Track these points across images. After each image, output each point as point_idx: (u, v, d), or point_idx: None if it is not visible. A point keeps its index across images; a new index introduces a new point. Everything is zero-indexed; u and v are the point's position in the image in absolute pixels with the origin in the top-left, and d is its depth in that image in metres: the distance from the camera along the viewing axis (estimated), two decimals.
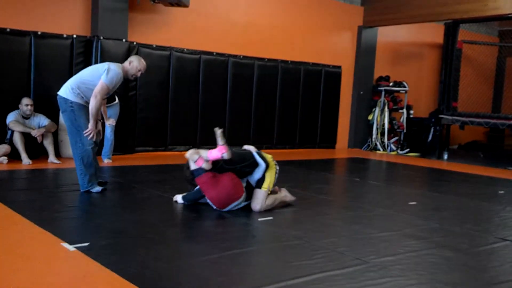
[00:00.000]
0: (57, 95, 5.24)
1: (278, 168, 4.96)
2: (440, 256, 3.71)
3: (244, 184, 4.82)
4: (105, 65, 5.18)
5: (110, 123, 7.29)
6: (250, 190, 4.82)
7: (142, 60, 5.38)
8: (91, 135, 5.07)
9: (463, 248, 3.97)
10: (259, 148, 5.20)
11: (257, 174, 4.80)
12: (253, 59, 9.89)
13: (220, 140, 4.56)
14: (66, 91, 5.15)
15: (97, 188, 5.20)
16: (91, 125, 5.06)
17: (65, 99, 5.12)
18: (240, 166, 4.72)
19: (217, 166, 4.68)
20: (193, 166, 4.65)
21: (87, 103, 5.10)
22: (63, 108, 5.19)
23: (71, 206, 4.76)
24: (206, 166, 4.60)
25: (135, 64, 5.28)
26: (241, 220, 4.48)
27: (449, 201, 5.96)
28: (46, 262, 3.20)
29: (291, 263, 3.35)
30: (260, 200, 4.77)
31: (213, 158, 4.61)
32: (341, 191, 6.74)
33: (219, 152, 4.56)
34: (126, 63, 5.30)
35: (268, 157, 4.93)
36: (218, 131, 4.57)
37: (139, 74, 5.34)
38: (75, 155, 5.14)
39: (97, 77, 5.08)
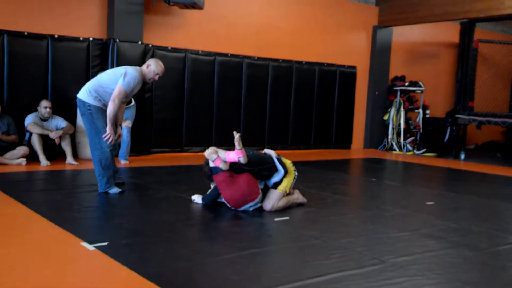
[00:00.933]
0: (76, 97, 5.29)
1: (297, 174, 4.98)
2: (458, 255, 3.69)
3: (261, 186, 4.83)
4: (122, 69, 5.19)
5: (126, 124, 7.37)
6: (265, 191, 4.83)
7: (160, 63, 5.34)
8: (110, 139, 5.11)
9: (481, 247, 3.94)
10: (273, 148, 5.21)
11: (275, 178, 4.81)
12: (267, 60, 9.90)
13: (237, 145, 4.57)
14: (84, 94, 5.19)
15: (115, 190, 5.25)
16: (108, 129, 5.08)
17: (84, 102, 5.17)
18: (259, 168, 4.73)
19: (235, 166, 4.70)
20: (212, 163, 4.69)
21: (105, 106, 5.14)
22: (81, 111, 5.24)
23: (89, 206, 4.81)
24: (223, 166, 4.62)
25: (152, 67, 5.25)
26: (258, 220, 4.49)
27: (466, 201, 5.91)
28: (66, 261, 3.24)
29: (308, 263, 3.35)
30: (273, 200, 4.78)
31: (230, 160, 4.65)
32: (357, 191, 6.72)
33: (236, 155, 4.59)
34: (144, 67, 5.29)
35: (288, 163, 4.94)
36: (236, 136, 4.56)
37: (156, 78, 5.30)
38: (94, 157, 5.20)
39: (115, 81, 5.11)
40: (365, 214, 4.98)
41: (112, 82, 5.13)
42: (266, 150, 5.09)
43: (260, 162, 4.74)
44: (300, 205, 5.08)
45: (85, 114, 5.20)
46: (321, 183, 6.61)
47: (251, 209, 4.71)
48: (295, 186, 5.39)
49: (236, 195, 4.61)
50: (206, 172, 4.82)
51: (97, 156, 5.16)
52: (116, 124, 5.22)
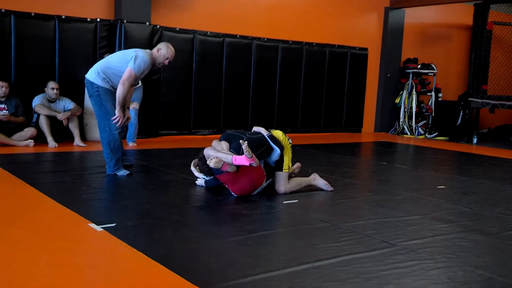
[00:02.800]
0: (84, 78, 5.24)
1: (291, 141, 4.87)
2: (469, 239, 3.64)
3: (262, 165, 4.75)
4: (133, 51, 5.12)
5: (133, 106, 7.33)
6: (267, 169, 4.76)
7: (171, 47, 5.25)
8: (119, 122, 5.07)
9: (492, 232, 3.88)
10: (283, 131, 5.11)
11: (273, 156, 4.73)
12: (277, 42, 9.79)
13: (247, 154, 4.33)
14: (92, 74, 5.14)
15: (123, 172, 5.23)
16: (117, 111, 5.04)
17: (92, 83, 5.12)
18: (257, 153, 4.63)
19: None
20: (212, 164, 4.39)
21: (113, 88, 5.10)
22: (90, 92, 5.20)
23: (97, 188, 4.79)
24: (232, 169, 4.40)
25: (163, 52, 5.18)
26: (266, 202, 4.45)
27: (478, 185, 5.83)
28: (74, 241, 3.23)
29: (317, 245, 3.31)
30: (283, 181, 4.73)
31: (239, 164, 4.37)
32: (368, 175, 6.66)
33: (247, 162, 4.31)
34: (154, 50, 5.21)
35: (280, 136, 4.81)
36: (244, 145, 4.30)
37: (166, 62, 5.23)
38: (103, 139, 5.18)
39: (124, 63, 5.04)
40: (375, 198, 4.92)
41: (121, 64, 5.07)
42: (255, 129, 4.96)
43: (257, 146, 4.61)
44: (312, 188, 5.00)
45: (93, 96, 5.15)
46: (330, 166, 6.54)
47: (259, 190, 4.67)
48: (315, 170, 5.35)
49: (245, 188, 4.54)
50: (206, 171, 4.64)
51: (105, 138, 5.14)
52: (124, 106, 5.16)
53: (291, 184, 4.81)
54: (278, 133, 4.86)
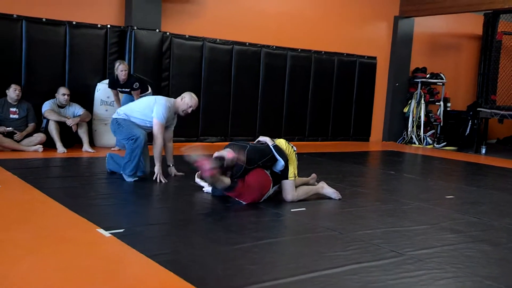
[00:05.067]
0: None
1: (295, 149, 4.86)
2: (478, 250, 3.61)
3: (268, 171, 4.73)
4: (152, 98, 5.40)
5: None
6: (274, 176, 4.74)
7: (194, 96, 5.45)
8: (158, 179, 5.23)
9: (501, 242, 3.86)
10: (291, 140, 5.13)
11: (278, 166, 4.72)
12: (286, 50, 9.81)
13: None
14: (114, 114, 5.41)
15: (131, 179, 5.24)
16: (157, 168, 5.24)
17: (113, 119, 5.36)
18: (262, 162, 4.62)
19: (240, 172, 4.47)
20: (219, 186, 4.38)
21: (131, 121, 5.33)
22: (113, 129, 5.38)
23: (106, 193, 4.81)
24: (228, 181, 4.37)
25: (186, 100, 5.37)
26: (274, 210, 4.44)
27: (487, 196, 5.79)
28: (82, 246, 3.24)
29: (325, 254, 3.30)
30: (289, 190, 4.72)
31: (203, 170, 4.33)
32: (376, 184, 6.63)
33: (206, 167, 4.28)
34: (179, 99, 5.43)
35: (283, 144, 4.79)
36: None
37: (189, 110, 5.41)
38: (128, 148, 5.25)
39: (145, 105, 5.30)
40: (383, 207, 4.90)
41: (141, 107, 5.33)
42: (261, 138, 4.93)
43: (261, 155, 4.61)
44: (320, 197, 4.99)
45: (116, 131, 5.34)
46: (338, 174, 6.53)
47: (269, 194, 4.68)
48: (323, 179, 5.34)
49: (255, 197, 4.54)
50: (215, 189, 4.64)
51: (130, 146, 5.19)
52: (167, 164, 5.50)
53: (298, 192, 4.80)
54: (281, 142, 4.84)
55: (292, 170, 4.74)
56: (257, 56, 9.45)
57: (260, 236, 3.63)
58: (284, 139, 5.01)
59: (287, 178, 4.73)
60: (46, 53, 7.46)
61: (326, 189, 5.01)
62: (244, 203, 4.55)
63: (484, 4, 10.18)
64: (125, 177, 5.24)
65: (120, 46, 8.02)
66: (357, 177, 6.67)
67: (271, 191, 4.70)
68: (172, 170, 5.61)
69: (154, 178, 5.25)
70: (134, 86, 7.22)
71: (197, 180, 5.11)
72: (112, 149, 7.37)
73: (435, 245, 3.64)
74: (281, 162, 4.67)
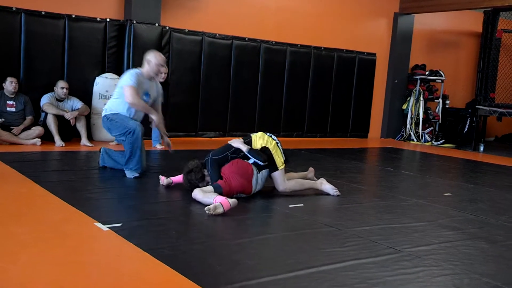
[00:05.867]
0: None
1: (275, 138, 4.84)
2: (475, 247, 3.62)
3: (252, 161, 4.66)
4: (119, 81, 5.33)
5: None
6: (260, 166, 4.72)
7: (158, 53, 5.29)
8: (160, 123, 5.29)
9: (498, 239, 3.87)
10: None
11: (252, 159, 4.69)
12: (285, 45, 9.79)
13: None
14: (104, 112, 5.35)
15: (133, 174, 5.18)
16: (155, 115, 5.23)
17: (103, 117, 5.30)
18: (229, 154, 4.65)
19: (212, 170, 4.58)
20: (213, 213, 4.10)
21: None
22: (105, 126, 5.33)
23: (104, 187, 4.80)
24: (232, 204, 4.16)
25: (153, 61, 5.20)
26: (272, 206, 4.45)
27: (484, 193, 5.80)
28: (80, 240, 3.24)
29: (323, 250, 3.30)
30: (280, 180, 4.74)
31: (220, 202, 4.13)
32: (374, 181, 6.64)
33: (227, 202, 4.06)
34: (144, 65, 5.26)
35: (260, 142, 4.75)
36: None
37: (162, 70, 5.32)
38: (126, 144, 5.19)
39: (119, 88, 5.21)
40: (381, 204, 4.90)
41: (115, 92, 5.30)
42: (234, 144, 4.75)
43: (222, 150, 4.70)
44: (319, 193, 5.00)
45: (110, 128, 5.26)
46: (336, 171, 6.53)
47: (261, 182, 4.63)
48: (321, 175, 5.35)
49: (242, 182, 4.47)
50: (193, 183, 4.57)
51: (129, 140, 5.13)
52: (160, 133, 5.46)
53: (291, 182, 4.81)
54: (257, 139, 4.79)
55: (278, 159, 4.70)
56: (257, 51, 9.43)
57: (258, 232, 3.63)
58: (262, 131, 4.97)
59: (276, 169, 4.70)
60: (45, 47, 7.44)
61: (325, 185, 5.00)
62: (244, 195, 4.54)
63: (484, 1, 10.17)
64: (127, 173, 5.19)
65: (119, 40, 8.00)
66: (355, 173, 6.67)
67: (260, 176, 4.63)
68: (165, 140, 5.59)
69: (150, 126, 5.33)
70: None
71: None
72: (111, 143, 7.36)
73: (433, 242, 3.64)
74: (259, 163, 4.63)
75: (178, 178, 4.83)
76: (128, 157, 5.15)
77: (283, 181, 4.75)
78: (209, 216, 3.89)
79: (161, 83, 7.31)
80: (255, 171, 4.61)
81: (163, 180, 4.86)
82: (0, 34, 7.12)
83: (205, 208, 3.95)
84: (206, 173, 4.60)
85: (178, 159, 6.75)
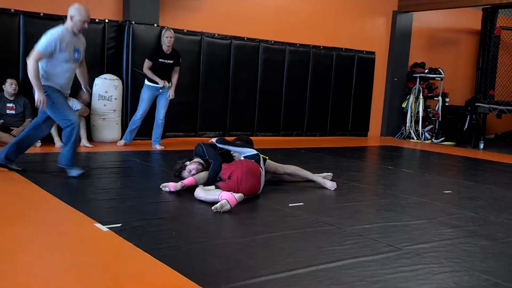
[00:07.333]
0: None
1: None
2: (475, 244, 3.62)
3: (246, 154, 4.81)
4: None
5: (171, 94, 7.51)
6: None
7: (82, 8, 4.91)
8: (42, 105, 4.81)
9: (499, 237, 3.87)
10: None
11: (243, 153, 4.82)
12: (284, 44, 9.79)
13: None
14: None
15: (77, 171, 5.05)
16: (38, 94, 4.78)
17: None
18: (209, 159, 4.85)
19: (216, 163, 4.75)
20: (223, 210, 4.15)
21: (57, 84, 4.99)
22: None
23: (103, 188, 4.80)
24: (239, 198, 4.23)
25: (76, 18, 4.86)
26: (272, 205, 4.45)
27: (484, 191, 5.80)
28: (80, 241, 3.24)
29: (322, 248, 3.31)
30: (277, 164, 5.17)
31: (226, 198, 4.19)
32: (374, 179, 6.64)
33: (232, 197, 4.15)
34: (68, 21, 4.93)
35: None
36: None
37: (85, 25, 4.95)
38: (66, 135, 5.00)
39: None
40: (381, 202, 4.91)
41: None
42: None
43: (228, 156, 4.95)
44: (318, 192, 5.03)
45: (49, 107, 4.94)
46: (336, 169, 6.51)
47: (263, 180, 4.66)
48: (314, 172, 5.42)
49: (254, 183, 4.53)
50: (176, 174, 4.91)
51: (68, 131, 4.97)
52: (82, 86, 5.26)
53: (292, 167, 5.24)
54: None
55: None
56: (256, 50, 9.43)
57: (258, 231, 3.63)
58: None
59: (265, 160, 4.96)
60: None
61: (321, 180, 5.23)
62: (252, 195, 4.57)
63: None
64: (72, 171, 5.04)
65: (118, 40, 8.00)
66: (355, 172, 6.67)
67: (263, 174, 4.68)
68: (84, 95, 5.41)
69: (36, 106, 4.90)
70: (180, 60, 7.43)
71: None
72: (118, 144, 7.39)
73: (433, 240, 3.64)
74: (217, 160, 4.75)
75: (190, 181, 4.68)
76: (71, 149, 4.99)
77: (280, 165, 5.13)
78: (214, 213, 3.91)
79: (173, 51, 7.42)
80: (262, 170, 4.68)
81: (172, 186, 4.62)
82: None
83: (212, 208, 4.00)
84: (188, 163, 4.86)
85: (177, 158, 6.75)
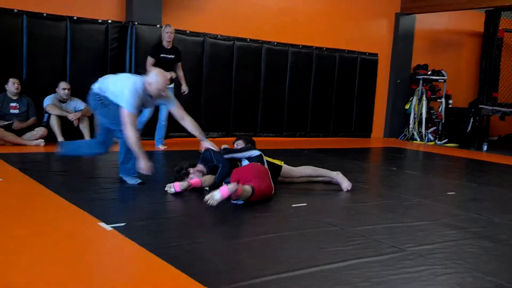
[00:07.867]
0: (94, 80, 5.06)
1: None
2: (478, 246, 3.60)
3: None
4: (127, 82, 4.65)
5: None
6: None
7: (160, 75, 4.67)
8: (147, 171, 4.59)
9: (502, 239, 3.85)
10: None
11: (248, 154, 4.84)
12: (287, 46, 9.79)
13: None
14: (95, 87, 4.83)
15: (136, 181, 4.95)
16: (143, 161, 4.55)
17: (93, 94, 4.79)
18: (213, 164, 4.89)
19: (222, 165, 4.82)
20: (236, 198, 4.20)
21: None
22: (94, 106, 4.83)
23: (107, 188, 4.79)
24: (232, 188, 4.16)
25: (153, 85, 4.60)
26: (275, 205, 4.44)
27: (488, 192, 5.79)
28: (84, 240, 3.24)
29: (326, 249, 3.30)
30: (291, 169, 5.20)
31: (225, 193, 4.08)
32: (377, 180, 6.63)
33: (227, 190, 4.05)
34: (147, 84, 4.62)
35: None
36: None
37: (162, 93, 4.73)
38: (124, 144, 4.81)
39: (119, 92, 4.61)
40: (384, 203, 4.90)
41: (116, 88, 4.67)
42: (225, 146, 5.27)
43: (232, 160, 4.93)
44: (322, 189, 5.10)
45: (101, 112, 4.75)
46: (339, 170, 6.49)
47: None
48: (336, 169, 5.55)
49: (267, 184, 4.53)
50: (178, 177, 4.82)
51: (94, 147, 4.95)
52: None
53: (307, 169, 5.26)
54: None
55: (277, 161, 5.08)
56: (258, 52, 9.44)
57: (261, 231, 3.63)
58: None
59: (281, 167, 5.05)
60: (46, 48, 7.45)
61: (340, 177, 5.26)
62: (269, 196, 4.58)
63: (485, 1, 10.17)
64: (129, 180, 4.94)
65: (120, 41, 8.01)
66: (359, 173, 6.66)
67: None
68: (206, 144, 5.12)
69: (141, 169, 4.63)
70: (180, 57, 7.45)
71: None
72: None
73: (436, 241, 3.63)
74: (226, 166, 4.76)
75: (196, 182, 4.63)
76: (128, 160, 4.86)
77: (296, 168, 5.15)
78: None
79: (173, 47, 7.49)
80: (268, 171, 4.70)
81: (178, 186, 4.53)
82: (2, 36, 7.13)
83: (204, 199, 3.95)
84: (191, 170, 4.81)
85: (180, 159, 6.76)
